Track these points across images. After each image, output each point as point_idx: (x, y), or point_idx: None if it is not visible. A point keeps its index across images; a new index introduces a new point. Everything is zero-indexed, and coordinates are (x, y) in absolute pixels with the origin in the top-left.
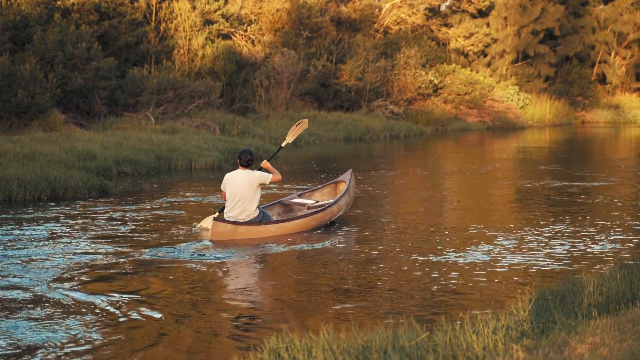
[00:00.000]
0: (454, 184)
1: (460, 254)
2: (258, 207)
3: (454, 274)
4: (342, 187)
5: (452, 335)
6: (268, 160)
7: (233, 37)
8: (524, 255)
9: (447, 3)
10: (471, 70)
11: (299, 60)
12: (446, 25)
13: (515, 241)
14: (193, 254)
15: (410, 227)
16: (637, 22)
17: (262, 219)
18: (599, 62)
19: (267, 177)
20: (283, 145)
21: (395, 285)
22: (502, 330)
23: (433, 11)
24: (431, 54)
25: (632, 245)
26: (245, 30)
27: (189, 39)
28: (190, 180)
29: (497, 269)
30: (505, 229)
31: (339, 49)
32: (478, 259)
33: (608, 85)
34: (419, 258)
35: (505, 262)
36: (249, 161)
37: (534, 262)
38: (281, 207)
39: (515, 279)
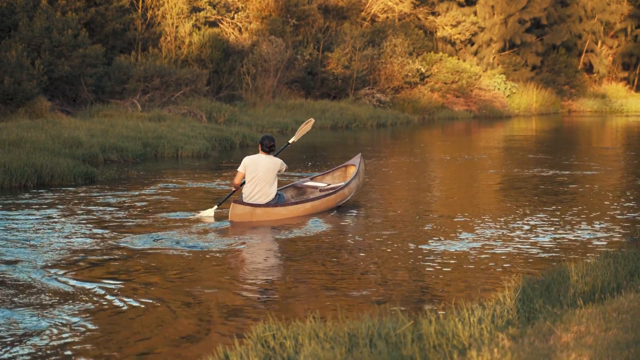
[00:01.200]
0: (440, 172)
1: (446, 243)
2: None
3: (440, 263)
4: (352, 170)
5: (438, 324)
6: (275, 156)
7: (220, 25)
8: (510, 243)
9: None
10: (458, 59)
11: (286, 48)
12: (433, 13)
13: (501, 230)
14: (183, 242)
15: (397, 215)
16: (624, 11)
17: (278, 201)
18: (586, 52)
19: (284, 166)
20: (290, 142)
21: (382, 273)
22: (488, 318)
23: None
24: (418, 42)
25: (617, 234)
26: (233, 18)
27: (176, 26)
28: (177, 167)
29: (483, 258)
30: (491, 217)
31: (326, 37)
32: (464, 248)
33: (595, 75)
34: (406, 246)
35: (491, 251)
36: (272, 147)
37: (519, 250)
38: (294, 190)
39: (501, 267)
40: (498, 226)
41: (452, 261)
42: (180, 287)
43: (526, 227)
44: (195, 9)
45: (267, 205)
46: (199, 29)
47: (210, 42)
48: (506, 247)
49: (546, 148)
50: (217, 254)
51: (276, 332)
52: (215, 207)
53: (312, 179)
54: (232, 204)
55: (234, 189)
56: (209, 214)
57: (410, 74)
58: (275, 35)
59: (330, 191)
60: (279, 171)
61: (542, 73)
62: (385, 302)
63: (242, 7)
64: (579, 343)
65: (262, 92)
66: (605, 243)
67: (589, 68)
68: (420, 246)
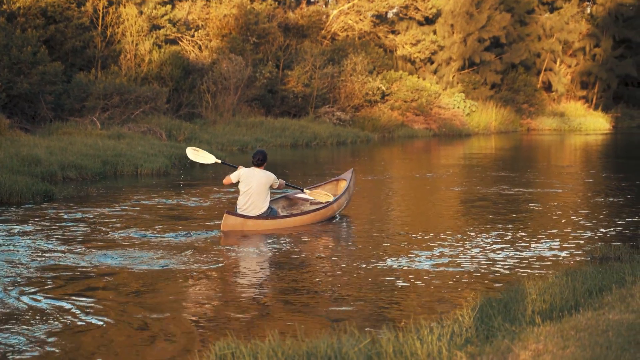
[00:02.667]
0: (401, 190)
1: (406, 261)
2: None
3: (400, 280)
4: (343, 185)
5: (397, 342)
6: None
7: (180, 43)
8: (470, 261)
9: (394, 10)
10: (418, 77)
11: (246, 66)
12: (393, 32)
13: (460, 248)
14: (144, 259)
15: (358, 233)
16: (582, 30)
17: (269, 213)
18: (545, 70)
19: (277, 182)
20: (220, 161)
21: (341, 291)
22: (447, 336)
23: (380, 18)
24: (378, 60)
25: (575, 252)
26: (193, 36)
27: (136, 44)
28: (136, 185)
29: (442, 276)
30: (451, 235)
31: (287, 55)
32: (424, 266)
33: (553, 93)
34: (366, 264)
35: (451, 269)
36: (259, 161)
37: (479, 268)
38: (286, 201)
39: (460, 285)
40: (458, 244)
41: (412, 279)
42: (140, 305)
43: (485, 245)
44: (156, 27)
45: (259, 217)
46: (159, 46)
47: (171, 60)
48: (466, 265)
49: (505, 166)
50: (178, 271)
51: (235, 350)
52: (219, 160)
53: (303, 191)
54: (224, 214)
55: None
56: (208, 158)
57: (370, 92)
58: (235, 53)
59: (320, 206)
60: (271, 186)
61: (501, 91)
62: (344, 321)
63: (202, 25)
64: None
65: (222, 110)
66: (564, 261)
67: (548, 87)
68: (380, 264)
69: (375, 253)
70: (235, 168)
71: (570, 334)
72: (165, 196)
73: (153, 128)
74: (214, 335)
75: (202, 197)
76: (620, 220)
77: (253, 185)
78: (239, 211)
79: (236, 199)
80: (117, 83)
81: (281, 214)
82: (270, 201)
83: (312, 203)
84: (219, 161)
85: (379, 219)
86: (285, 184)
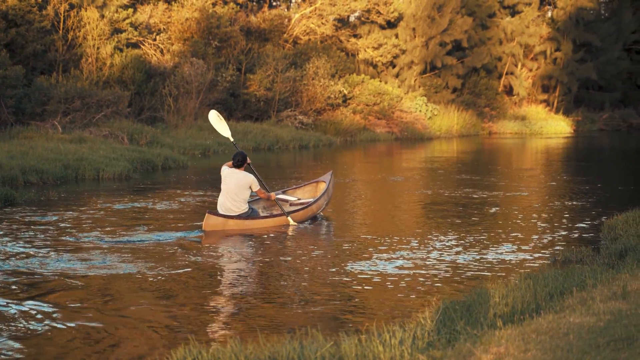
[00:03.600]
0: (363, 194)
1: (369, 264)
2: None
3: (363, 284)
4: (322, 186)
5: (359, 346)
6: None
7: (142, 46)
8: (432, 265)
9: (356, 14)
10: (380, 81)
11: (208, 70)
12: (355, 36)
13: (423, 251)
14: (107, 264)
15: (321, 237)
16: (542, 34)
17: (250, 214)
18: (506, 74)
19: (256, 186)
20: (232, 140)
21: (305, 295)
22: (409, 340)
23: (342, 22)
24: (340, 64)
25: (537, 255)
26: (154, 40)
27: (98, 48)
28: (98, 189)
29: (404, 279)
30: (413, 238)
31: (249, 58)
32: (386, 269)
33: (515, 97)
34: (328, 268)
35: (413, 272)
36: (238, 162)
37: (441, 272)
38: (266, 202)
39: (422, 289)
40: (420, 248)
41: (375, 283)
42: (102, 310)
43: (448, 249)
44: (117, 31)
45: (239, 217)
46: (121, 50)
47: (132, 64)
48: (428, 269)
49: (468, 169)
50: (141, 276)
51: (197, 355)
52: (232, 139)
53: (284, 192)
54: (206, 214)
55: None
56: (225, 131)
57: (332, 96)
58: (197, 57)
59: (300, 207)
60: (250, 188)
61: (463, 95)
62: (307, 325)
63: (163, 28)
64: None
65: (184, 113)
66: (526, 264)
67: (509, 90)
68: (343, 268)
69: (339, 257)
70: (237, 149)
71: (532, 337)
72: (128, 200)
73: (115, 132)
74: (175, 340)
75: (168, 200)
76: (581, 224)
77: (231, 186)
78: (219, 210)
79: (204, 202)
80: (79, 87)
81: (262, 214)
82: (251, 202)
83: (292, 204)
84: (231, 140)
85: (342, 223)
86: (275, 199)
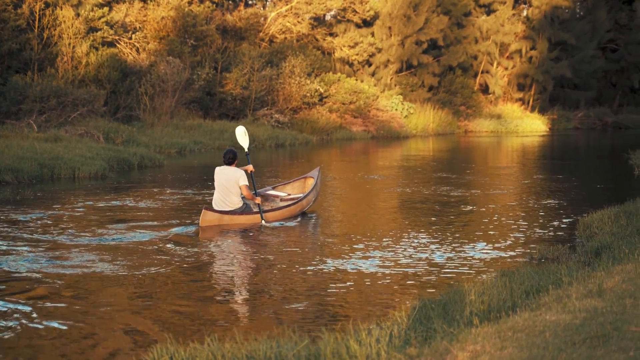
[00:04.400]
0: (340, 192)
1: (345, 263)
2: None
3: (339, 283)
4: (310, 182)
5: (335, 344)
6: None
7: (118, 45)
8: (409, 263)
9: (332, 12)
10: (356, 80)
11: (184, 69)
12: (331, 34)
13: (399, 249)
14: (81, 263)
15: (299, 235)
16: (517, 31)
17: (245, 209)
18: (482, 72)
19: (244, 182)
20: (247, 150)
21: (281, 294)
22: (385, 338)
23: (318, 20)
24: (316, 63)
25: (514, 253)
26: (130, 38)
27: (73, 47)
28: (74, 189)
29: (381, 277)
30: (389, 237)
31: (225, 57)
32: (363, 268)
33: (490, 95)
34: (305, 266)
35: (390, 271)
36: (229, 159)
37: (418, 270)
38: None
39: (399, 287)
40: (397, 246)
41: (352, 281)
42: (77, 309)
43: (425, 247)
44: (93, 29)
45: (234, 212)
46: (97, 49)
47: (108, 62)
48: (405, 267)
49: (444, 168)
50: (117, 274)
51: (174, 354)
52: (247, 151)
53: (274, 188)
54: (203, 210)
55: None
56: (245, 144)
57: (308, 95)
58: (173, 56)
59: (291, 202)
60: (239, 183)
61: (438, 94)
62: (284, 323)
63: (139, 27)
64: None
65: (160, 112)
66: (502, 262)
67: (485, 89)
68: (320, 266)
69: (316, 255)
70: (248, 161)
71: (508, 334)
72: (105, 199)
73: (90, 131)
74: (152, 339)
75: (145, 199)
76: (557, 222)
77: (223, 182)
78: (213, 205)
79: (181, 200)
80: (54, 86)
81: (254, 209)
82: (243, 197)
83: (282, 199)
84: (246, 150)
85: (320, 221)
86: (258, 203)
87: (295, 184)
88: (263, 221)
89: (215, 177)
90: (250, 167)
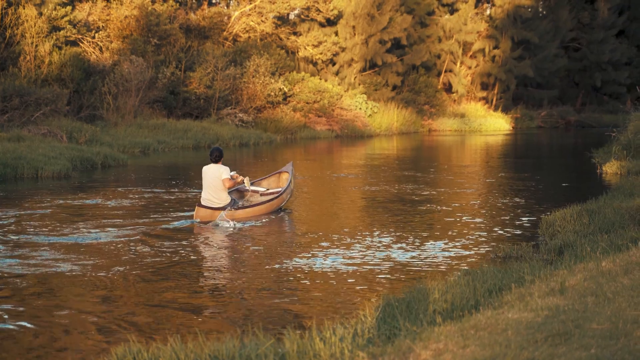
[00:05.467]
0: (304, 191)
1: (310, 262)
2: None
3: (305, 281)
4: (285, 176)
5: (300, 343)
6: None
7: (81, 44)
8: (373, 262)
9: (296, 12)
10: (320, 79)
11: (148, 68)
12: (295, 33)
13: (364, 248)
14: (45, 262)
15: (264, 234)
16: (480, 30)
17: (233, 205)
18: (445, 72)
19: (225, 176)
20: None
21: (246, 293)
22: (349, 337)
23: (282, 19)
24: (280, 62)
25: (477, 252)
26: (93, 37)
27: (36, 46)
28: (37, 188)
29: (346, 276)
30: (353, 236)
31: (188, 56)
32: (328, 266)
33: (454, 94)
34: (270, 265)
35: (355, 269)
36: (215, 157)
37: (382, 269)
38: (237, 193)
39: (364, 286)
40: (362, 244)
41: (317, 280)
42: (41, 309)
43: (389, 246)
44: (56, 28)
45: (224, 208)
46: (60, 48)
47: (71, 62)
48: (369, 266)
49: (408, 167)
50: (82, 274)
51: (137, 354)
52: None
53: (252, 184)
54: (196, 206)
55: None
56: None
57: (272, 94)
58: (136, 55)
59: (274, 196)
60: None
61: (402, 93)
62: (248, 323)
63: (103, 26)
64: None
65: (123, 111)
66: (467, 261)
67: (449, 88)
68: (285, 265)
69: (281, 254)
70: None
71: (470, 333)
72: (69, 198)
73: (53, 130)
74: (116, 339)
75: (109, 198)
76: (521, 220)
77: (208, 180)
78: (202, 202)
79: (146, 199)
80: (17, 85)
81: (239, 204)
82: (230, 192)
83: (262, 194)
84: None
85: (284, 220)
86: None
87: (271, 179)
88: (224, 213)
89: (203, 176)
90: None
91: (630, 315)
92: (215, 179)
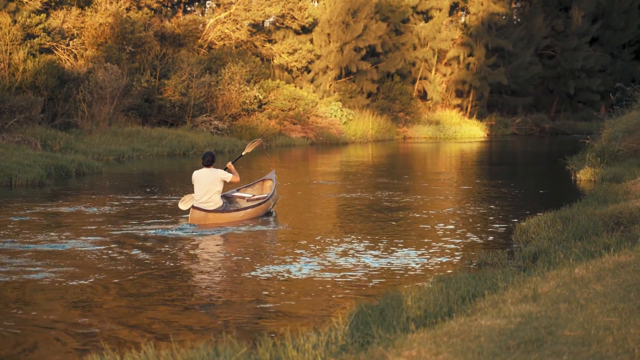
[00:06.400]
0: (280, 198)
1: (285, 269)
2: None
3: (278, 290)
4: (268, 184)
5: (273, 350)
6: (232, 163)
7: (55, 52)
8: (347, 269)
9: (271, 19)
10: (295, 86)
11: (123, 75)
12: (270, 41)
13: (338, 255)
14: (18, 270)
15: (238, 240)
16: (454, 37)
17: (225, 207)
18: (420, 79)
19: (228, 176)
20: (243, 154)
21: (221, 300)
22: (323, 345)
23: (257, 27)
24: (255, 69)
25: (451, 259)
26: (68, 45)
27: (10, 53)
28: (11, 196)
29: (320, 284)
30: (328, 243)
31: (163, 64)
32: (302, 274)
33: (429, 102)
34: (245, 273)
35: (329, 276)
36: (208, 162)
37: (357, 276)
38: (225, 199)
39: (338, 293)
40: (336, 252)
41: (292, 287)
42: (11, 317)
43: (364, 253)
44: (30, 36)
45: (217, 211)
46: (34, 55)
47: (45, 69)
48: (344, 273)
49: (383, 174)
50: (53, 282)
51: None
52: (243, 154)
53: (238, 190)
54: (191, 209)
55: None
56: (188, 201)
57: (247, 101)
58: (111, 62)
59: (261, 200)
60: (223, 180)
61: (377, 100)
62: (221, 330)
63: (77, 34)
64: None
65: (98, 119)
66: (440, 268)
67: (424, 95)
68: (259, 272)
69: (256, 261)
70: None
71: (443, 340)
72: (40, 207)
73: (27, 138)
74: (89, 348)
75: (81, 206)
76: (495, 227)
77: (204, 184)
78: (195, 205)
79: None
80: None
81: (231, 208)
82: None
83: (249, 200)
84: (242, 154)
85: (259, 227)
86: (232, 162)
87: (255, 186)
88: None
89: (195, 180)
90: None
91: (602, 321)
92: (211, 183)
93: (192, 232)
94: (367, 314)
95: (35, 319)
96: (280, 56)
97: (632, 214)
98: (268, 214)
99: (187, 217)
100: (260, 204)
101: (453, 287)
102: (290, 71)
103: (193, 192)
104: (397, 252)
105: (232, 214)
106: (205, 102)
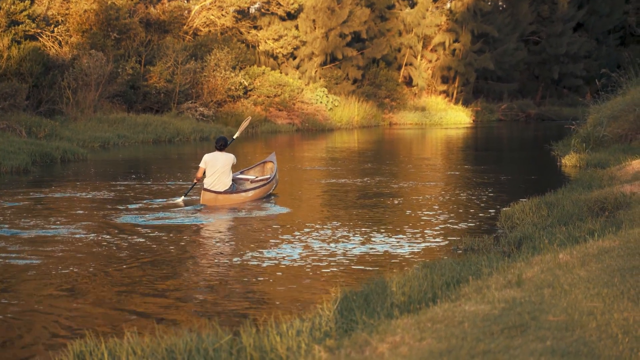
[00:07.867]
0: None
1: (270, 255)
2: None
3: (263, 276)
4: (269, 166)
5: (257, 337)
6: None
7: (40, 38)
8: (333, 255)
9: (256, 5)
10: (280, 73)
11: (108, 62)
12: (255, 27)
13: (323, 241)
14: (2, 256)
15: (225, 227)
16: (439, 23)
17: (233, 189)
18: (406, 65)
19: (235, 160)
20: (235, 137)
21: (205, 286)
22: (306, 331)
23: (242, 13)
24: (241, 56)
25: (436, 244)
26: (53, 32)
27: None
28: None
29: (305, 269)
30: (313, 228)
31: (148, 50)
32: (287, 259)
33: (414, 88)
34: (229, 259)
35: (314, 263)
36: (221, 146)
37: (342, 262)
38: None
39: (323, 279)
40: (322, 238)
41: (277, 273)
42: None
43: (349, 239)
44: (14, 23)
45: (226, 192)
46: (19, 42)
47: (30, 56)
48: (329, 259)
49: (369, 160)
50: (42, 268)
51: (94, 348)
52: (183, 197)
53: (242, 173)
54: (202, 191)
55: (195, 181)
56: (177, 201)
57: (233, 88)
58: (96, 49)
59: (265, 181)
60: (232, 164)
61: (363, 86)
62: (205, 316)
63: (62, 20)
64: (394, 353)
65: (83, 106)
66: (425, 253)
67: (409, 81)
68: (244, 258)
69: (241, 247)
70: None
71: (427, 325)
72: (25, 194)
73: (12, 125)
74: (73, 334)
75: (66, 193)
76: (481, 212)
77: (219, 167)
78: (207, 188)
79: (106, 193)
80: None
81: (239, 189)
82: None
83: (252, 181)
84: (234, 137)
85: (244, 213)
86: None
87: (257, 168)
88: (183, 197)
89: (208, 163)
90: None
91: (586, 306)
92: (224, 166)
93: (181, 219)
94: (351, 300)
95: (18, 304)
96: (266, 42)
97: (616, 200)
98: (269, 196)
99: (177, 202)
100: (265, 184)
101: (437, 272)
102: (275, 57)
103: (180, 176)
104: (381, 238)
105: (241, 194)
106: (191, 88)
